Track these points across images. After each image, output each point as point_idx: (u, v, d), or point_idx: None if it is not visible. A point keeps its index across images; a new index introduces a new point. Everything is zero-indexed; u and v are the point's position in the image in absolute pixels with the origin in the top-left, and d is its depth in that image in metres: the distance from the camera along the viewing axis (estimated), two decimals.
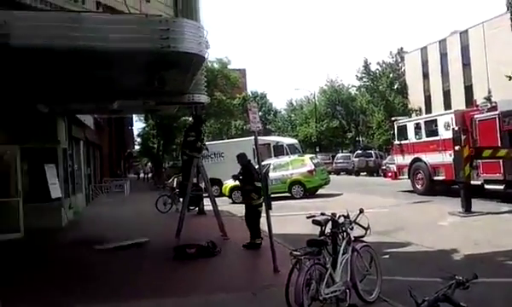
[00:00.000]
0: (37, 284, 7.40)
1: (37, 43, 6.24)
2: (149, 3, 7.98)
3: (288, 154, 23.68)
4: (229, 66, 42.13)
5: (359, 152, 41.03)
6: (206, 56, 8.18)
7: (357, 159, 38.71)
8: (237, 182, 10.78)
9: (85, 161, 21.30)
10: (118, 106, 12.30)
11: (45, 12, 6.91)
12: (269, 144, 24.95)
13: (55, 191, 13.29)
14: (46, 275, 8.00)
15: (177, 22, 6.99)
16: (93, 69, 7.73)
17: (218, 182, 21.78)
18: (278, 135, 56.14)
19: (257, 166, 8.67)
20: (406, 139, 19.60)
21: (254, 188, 9.42)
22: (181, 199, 14.13)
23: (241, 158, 10.02)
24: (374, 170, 35.67)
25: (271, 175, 17.81)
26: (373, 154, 38.56)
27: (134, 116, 39.03)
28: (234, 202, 19.47)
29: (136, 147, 56.50)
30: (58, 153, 14.20)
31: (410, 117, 30.89)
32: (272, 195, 12.84)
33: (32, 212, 12.32)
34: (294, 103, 73.23)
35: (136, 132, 52.32)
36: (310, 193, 20.61)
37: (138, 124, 52.45)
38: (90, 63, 7.24)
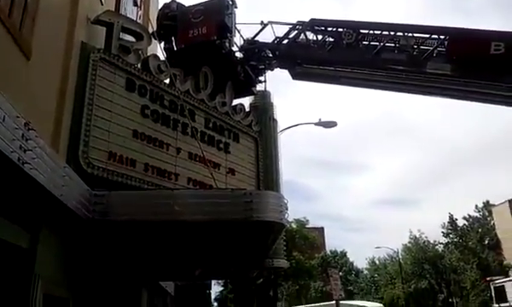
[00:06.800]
0: None
1: (134, 218, 6.79)
2: (234, 176, 8.54)
3: None
4: (307, 226, 42.19)
5: None
6: (286, 224, 8.32)
7: None
8: None
9: None
10: (199, 273, 12.43)
11: (140, 191, 7.61)
12: None
13: None
14: None
15: (259, 194, 7.37)
16: (179, 241, 8.07)
17: None
18: (361, 297, 52.60)
19: None
20: (506, 302, 17.39)
21: None
22: None
23: None
24: None
25: None
26: None
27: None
28: None
29: None
30: None
31: (508, 276, 27.83)
32: None
33: None
34: (377, 262, 69.44)
35: (213, 296, 51.82)
36: None
37: (216, 288, 52.34)
38: (179, 235, 7.60)
